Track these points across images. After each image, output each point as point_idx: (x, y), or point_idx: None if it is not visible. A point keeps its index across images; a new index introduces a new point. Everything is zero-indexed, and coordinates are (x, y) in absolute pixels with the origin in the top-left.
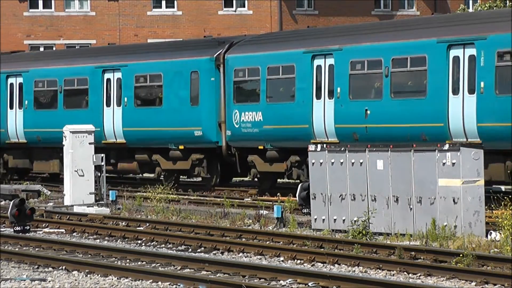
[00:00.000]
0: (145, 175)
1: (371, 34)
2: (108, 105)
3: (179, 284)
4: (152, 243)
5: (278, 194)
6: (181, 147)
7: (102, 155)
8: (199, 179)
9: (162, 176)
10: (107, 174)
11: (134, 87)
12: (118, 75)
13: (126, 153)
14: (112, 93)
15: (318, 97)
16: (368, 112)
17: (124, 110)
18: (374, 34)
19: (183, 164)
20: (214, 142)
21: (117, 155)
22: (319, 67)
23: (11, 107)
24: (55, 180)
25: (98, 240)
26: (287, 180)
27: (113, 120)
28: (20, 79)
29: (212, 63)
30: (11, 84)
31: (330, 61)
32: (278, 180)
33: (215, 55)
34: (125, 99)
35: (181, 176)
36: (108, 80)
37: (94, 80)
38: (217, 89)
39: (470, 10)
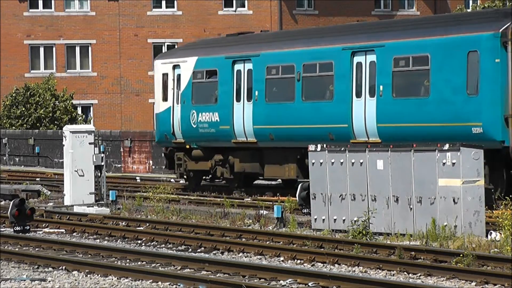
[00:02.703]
0: None
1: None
2: (359, 96)
3: (179, 284)
4: (152, 243)
5: (278, 194)
6: None
7: (102, 155)
8: None
9: None
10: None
11: (392, 72)
12: (372, 57)
13: None
14: (363, 80)
15: None
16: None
17: (379, 101)
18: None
19: None
20: (498, 141)
21: None
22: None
23: (238, 99)
24: (290, 187)
25: (98, 240)
26: None
27: (365, 116)
28: (249, 65)
29: (497, 40)
30: (238, 72)
31: None
32: None
33: (500, 30)
34: (381, 87)
35: None
36: (359, 64)
37: (341, 65)
38: (503, 74)
39: (469, 10)
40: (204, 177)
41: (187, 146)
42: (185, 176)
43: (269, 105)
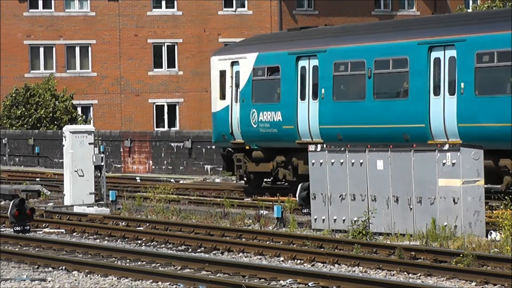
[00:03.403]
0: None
1: (501, 22)
2: (437, 93)
3: (179, 284)
4: (152, 243)
5: (278, 194)
6: None
7: (102, 155)
8: None
9: None
10: None
11: (475, 68)
12: (452, 53)
13: None
14: (442, 77)
15: None
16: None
17: (459, 99)
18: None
19: None
20: None
21: None
22: None
23: (303, 98)
24: None
25: (98, 240)
26: None
27: (444, 115)
28: (314, 61)
29: None
30: (302, 68)
31: None
32: None
33: None
34: (462, 84)
35: None
36: (437, 59)
37: (417, 61)
38: None
39: (469, 10)
40: (265, 180)
41: (247, 147)
42: (245, 178)
43: (337, 104)
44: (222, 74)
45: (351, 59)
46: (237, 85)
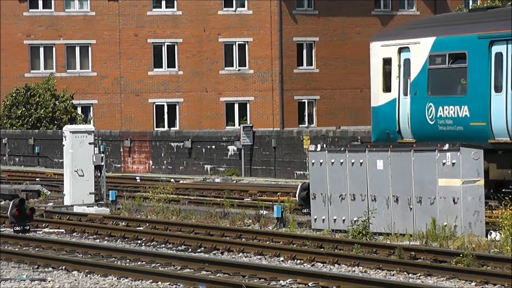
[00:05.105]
0: None
1: None
2: None
3: (179, 284)
4: (152, 243)
5: (278, 194)
6: None
7: (102, 155)
8: None
9: None
10: None
11: None
12: None
13: None
14: None
15: None
16: None
17: None
18: None
19: None
20: None
21: None
22: None
23: (498, 90)
24: None
25: (98, 240)
26: None
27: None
28: None
29: None
30: (498, 55)
31: None
32: None
33: None
34: None
35: None
36: None
37: None
38: None
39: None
40: None
41: None
42: None
43: None
44: (387, 62)
45: None
46: (407, 75)
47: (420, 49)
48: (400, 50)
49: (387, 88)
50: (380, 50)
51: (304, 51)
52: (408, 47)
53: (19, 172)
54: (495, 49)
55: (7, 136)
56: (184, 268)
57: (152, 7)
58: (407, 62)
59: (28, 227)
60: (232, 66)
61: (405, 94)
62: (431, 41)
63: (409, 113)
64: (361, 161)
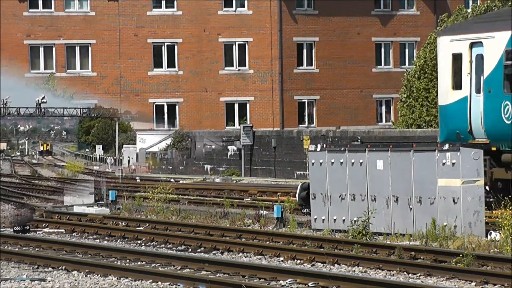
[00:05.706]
0: None
1: None
2: None
3: (179, 284)
4: (152, 243)
5: (278, 194)
6: None
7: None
8: None
9: None
10: None
11: None
12: None
13: None
14: None
15: None
16: None
17: None
18: None
19: None
20: None
21: None
22: None
23: None
24: None
25: (98, 240)
26: None
27: None
28: None
29: None
30: None
31: None
32: None
33: None
34: None
35: None
36: None
37: None
38: None
39: (469, 10)
40: None
41: (493, 148)
42: (487, 186)
43: None
44: (456, 58)
45: None
46: (480, 72)
47: (495, 44)
48: (472, 45)
49: (457, 85)
50: (449, 45)
51: (304, 51)
52: (481, 42)
53: None
54: None
55: None
56: (184, 268)
57: (152, 7)
58: (479, 57)
59: (28, 227)
60: (232, 66)
61: (478, 92)
62: (507, 35)
63: (482, 112)
64: (361, 161)
